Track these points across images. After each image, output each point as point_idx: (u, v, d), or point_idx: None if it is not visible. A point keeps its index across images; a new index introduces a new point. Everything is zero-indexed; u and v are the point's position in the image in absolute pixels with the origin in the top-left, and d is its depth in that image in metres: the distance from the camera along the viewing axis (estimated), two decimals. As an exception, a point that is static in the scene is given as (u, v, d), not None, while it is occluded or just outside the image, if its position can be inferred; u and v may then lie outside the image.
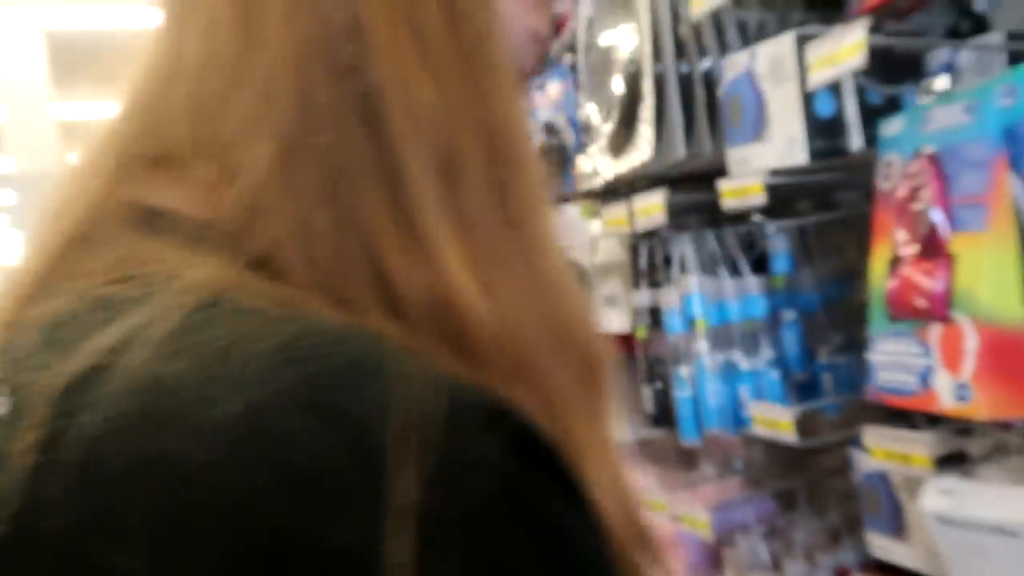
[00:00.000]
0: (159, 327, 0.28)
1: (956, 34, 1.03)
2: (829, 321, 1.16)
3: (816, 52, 0.83)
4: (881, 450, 0.84)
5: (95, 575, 0.25)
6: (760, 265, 1.18)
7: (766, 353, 1.13)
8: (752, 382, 1.13)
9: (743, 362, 1.13)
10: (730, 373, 1.14)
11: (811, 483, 1.19)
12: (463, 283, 0.32)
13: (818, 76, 0.83)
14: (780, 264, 1.16)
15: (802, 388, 1.13)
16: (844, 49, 0.78)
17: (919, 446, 0.81)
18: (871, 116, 0.95)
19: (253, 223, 0.31)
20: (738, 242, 1.17)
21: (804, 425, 0.99)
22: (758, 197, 0.94)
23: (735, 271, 1.16)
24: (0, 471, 0.27)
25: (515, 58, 0.39)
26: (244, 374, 0.26)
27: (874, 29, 0.91)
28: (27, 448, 0.27)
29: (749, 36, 1.12)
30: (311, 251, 0.31)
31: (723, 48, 1.13)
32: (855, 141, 0.95)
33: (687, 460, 1.38)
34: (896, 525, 0.97)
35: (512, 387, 0.31)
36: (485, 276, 0.32)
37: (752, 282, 1.14)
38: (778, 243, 1.15)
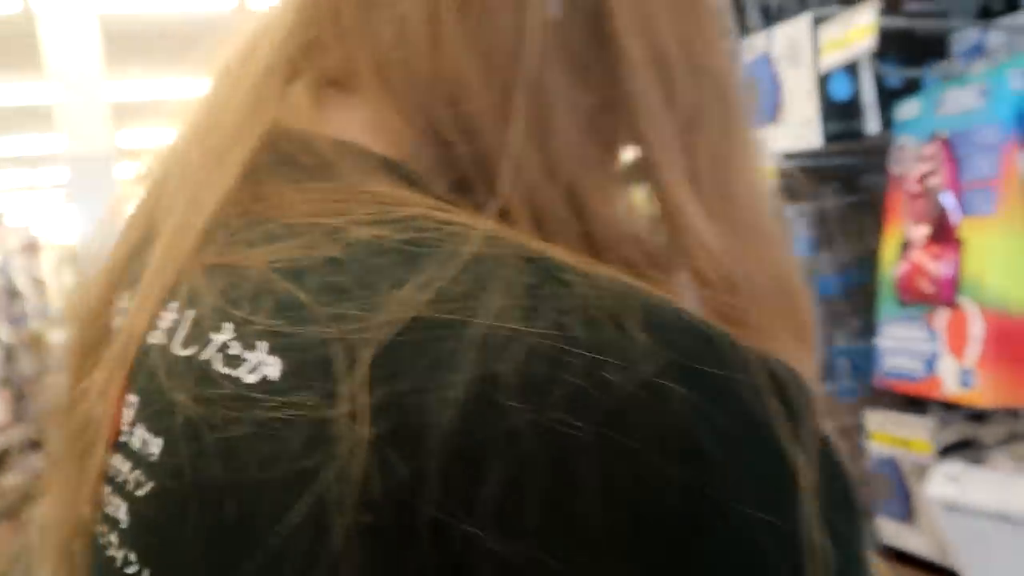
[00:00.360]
0: (492, 283, 0.24)
1: (987, 14, 1.01)
2: (849, 306, 1.15)
3: (827, 34, 0.83)
4: (883, 435, 0.84)
5: (486, 563, 0.21)
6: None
7: None
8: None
9: (758, 345, 1.13)
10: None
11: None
12: (703, 232, 0.31)
13: (829, 59, 0.82)
14: (798, 247, 1.16)
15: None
16: (854, 31, 0.77)
17: (920, 431, 0.81)
18: (891, 99, 0.94)
19: (477, 173, 0.29)
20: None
21: (811, 408, 0.99)
22: (770, 183, 0.94)
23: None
24: (316, 446, 0.23)
25: None
26: (619, 345, 0.23)
27: (895, 10, 0.90)
28: (356, 416, 0.22)
29: (771, 18, 1.11)
30: (537, 207, 0.29)
31: (745, 31, 1.12)
32: (871, 124, 0.94)
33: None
34: (906, 512, 0.96)
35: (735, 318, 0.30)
36: (716, 226, 0.31)
37: (769, 266, 1.14)
38: (797, 227, 1.14)
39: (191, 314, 0.28)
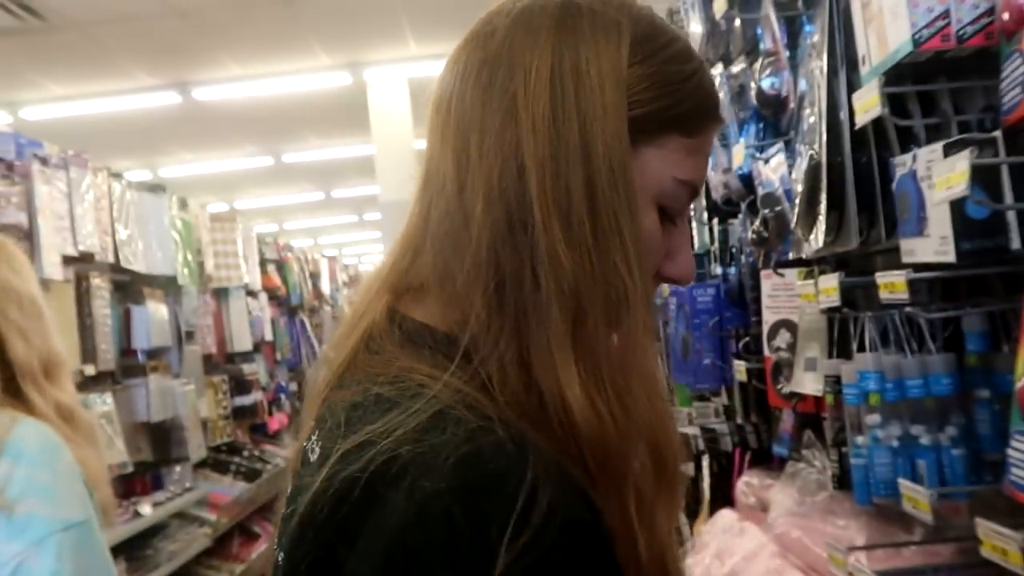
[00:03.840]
0: (405, 426, 0.49)
1: None
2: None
3: (938, 173, 0.91)
4: (989, 543, 0.89)
5: (327, 567, 0.48)
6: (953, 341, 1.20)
7: (950, 430, 1.16)
8: (930, 457, 1.16)
9: (924, 437, 1.17)
10: (909, 446, 1.18)
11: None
12: (575, 393, 0.51)
13: (940, 195, 0.91)
14: (975, 343, 1.17)
15: (995, 467, 1.14)
16: (954, 175, 0.86)
17: (1013, 544, 0.85)
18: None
19: (470, 338, 0.54)
20: (930, 320, 1.21)
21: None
22: (902, 294, 1.02)
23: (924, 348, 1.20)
24: (304, 492, 0.52)
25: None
26: (444, 464, 0.47)
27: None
28: (319, 480, 0.50)
29: (948, 130, 1.16)
30: (498, 361, 0.53)
31: (911, 140, 1.19)
32: (1014, 241, 0.98)
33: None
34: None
35: (600, 468, 0.50)
36: (594, 390, 0.52)
37: (938, 360, 1.18)
38: (972, 324, 1.17)
39: (312, 422, 0.58)
